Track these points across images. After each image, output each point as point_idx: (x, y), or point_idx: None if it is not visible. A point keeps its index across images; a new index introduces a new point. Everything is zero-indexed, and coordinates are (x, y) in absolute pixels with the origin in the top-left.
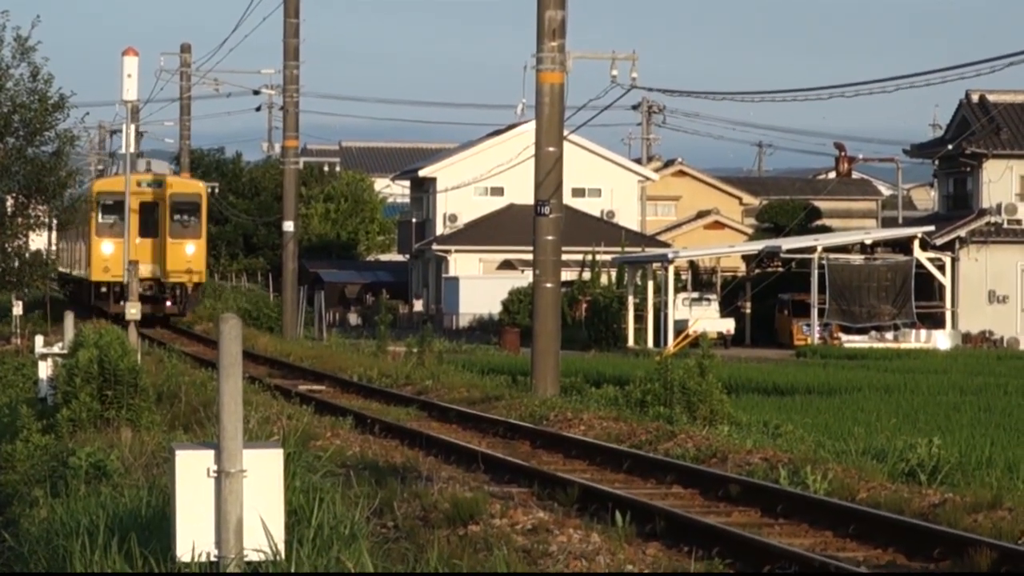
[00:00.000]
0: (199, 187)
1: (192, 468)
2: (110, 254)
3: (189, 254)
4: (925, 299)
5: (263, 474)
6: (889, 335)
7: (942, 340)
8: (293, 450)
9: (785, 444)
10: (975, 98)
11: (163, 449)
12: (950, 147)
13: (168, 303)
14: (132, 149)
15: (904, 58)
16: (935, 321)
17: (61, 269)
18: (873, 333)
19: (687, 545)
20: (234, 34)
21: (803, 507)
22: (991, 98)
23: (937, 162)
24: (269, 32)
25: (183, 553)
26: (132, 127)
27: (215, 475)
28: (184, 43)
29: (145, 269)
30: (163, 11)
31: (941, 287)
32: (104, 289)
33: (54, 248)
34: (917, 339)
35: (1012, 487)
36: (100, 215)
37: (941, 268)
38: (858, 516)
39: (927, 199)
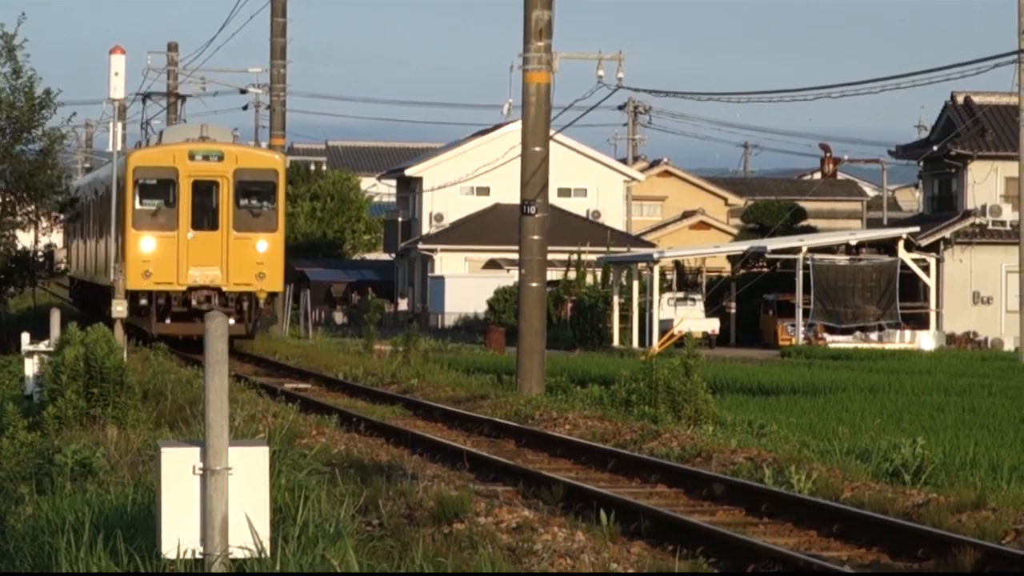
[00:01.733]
0: (274, 160)
1: (178, 466)
2: (152, 253)
3: (261, 253)
4: (910, 300)
5: (248, 472)
6: (874, 336)
7: (926, 341)
8: (278, 448)
9: (770, 444)
10: (960, 100)
11: (149, 447)
12: (935, 148)
13: (231, 320)
14: (119, 148)
15: (890, 59)
16: (920, 322)
17: (74, 273)
18: (858, 334)
19: (671, 544)
20: (221, 33)
21: (787, 506)
22: (976, 99)
23: (922, 163)
24: (256, 31)
25: (168, 550)
26: (119, 125)
27: (201, 473)
28: (171, 42)
29: (200, 275)
30: (150, 10)
31: (926, 288)
32: (144, 301)
33: (53, 247)
34: (902, 340)
35: (996, 487)
36: (138, 199)
37: (926, 269)
38: (842, 516)
39: (912, 200)
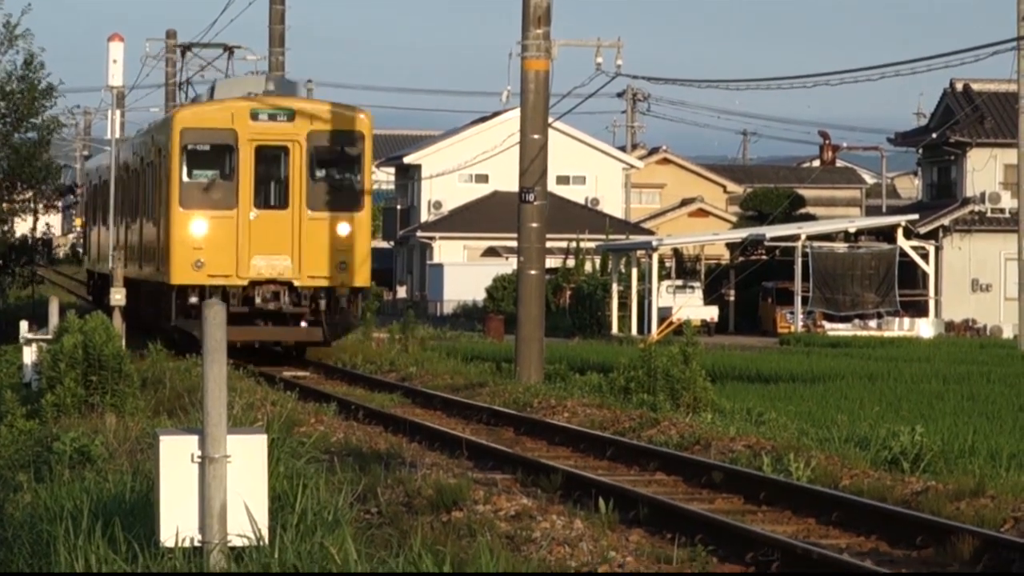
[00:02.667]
0: (359, 119)
1: (176, 454)
2: (204, 238)
3: (342, 237)
4: (909, 287)
5: (247, 460)
6: (872, 323)
7: (925, 328)
8: (277, 436)
9: (768, 432)
10: (959, 87)
11: (147, 435)
12: (934, 136)
13: (304, 323)
14: (118, 135)
15: (889, 47)
16: (918, 309)
17: (93, 266)
18: (856, 321)
19: (670, 532)
20: (219, 20)
21: (786, 494)
22: (975, 87)
23: (921, 151)
24: (254, 18)
25: (167, 538)
26: (118, 113)
27: (199, 461)
28: (169, 29)
29: (265, 265)
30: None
31: (925, 275)
32: (194, 299)
33: (51, 234)
34: (900, 327)
35: (994, 475)
36: (187, 170)
37: (925, 256)
38: (841, 503)
39: (911, 187)
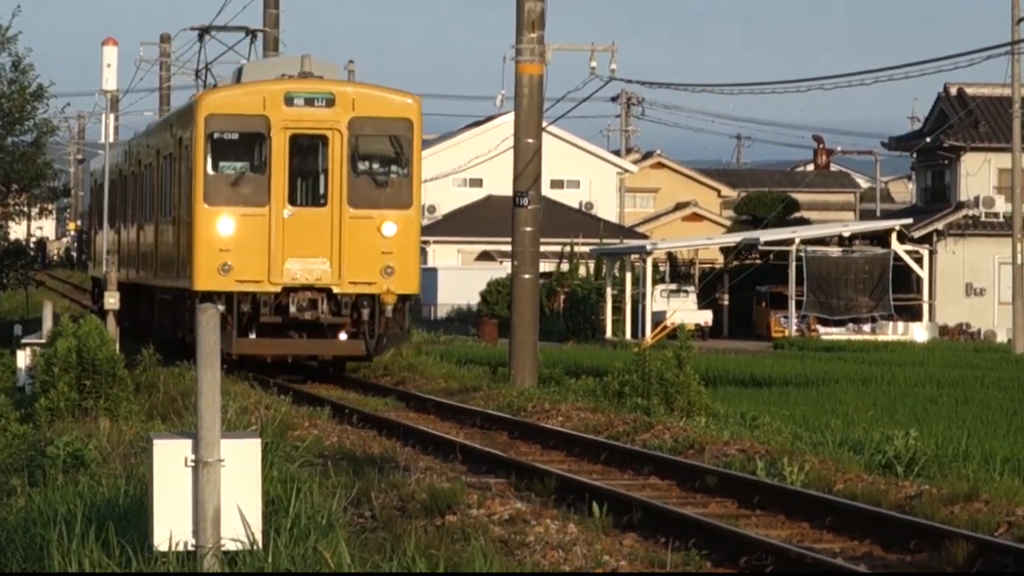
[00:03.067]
0: (406, 105)
1: (170, 458)
2: (232, 238)
3: (388, 238)
4: (903, 291)
5: (241, 464)
6: (867, 327)
7: (919, 332)
8: (271, 440)
9: (762, 436)
10: (953, 91)
11: (141, 439)
12: (928, 140)
13: (343, 335)
14: (111, 140)
15: (883, 51)
16: (912, 313)
17: (99, 273)
18: (851, 325)
19: (664, 536)
20: (213, 24)
21: (780, 498)
22: (969, 91)
23: (915, 155)
24: (248, 23)
25: (160, 543)
26: (112, 117)
27: (193, 465)
28: (163, 33)
29: (300, 269)
30: (142, 0)
31: (919, 279)
32: (220, 308)
33: (45, 239)
34: (894, 331)
35: (988, 479)
36: (211, 161)
37: (919, 261)
38: (835, 508)
39: (905, 192)
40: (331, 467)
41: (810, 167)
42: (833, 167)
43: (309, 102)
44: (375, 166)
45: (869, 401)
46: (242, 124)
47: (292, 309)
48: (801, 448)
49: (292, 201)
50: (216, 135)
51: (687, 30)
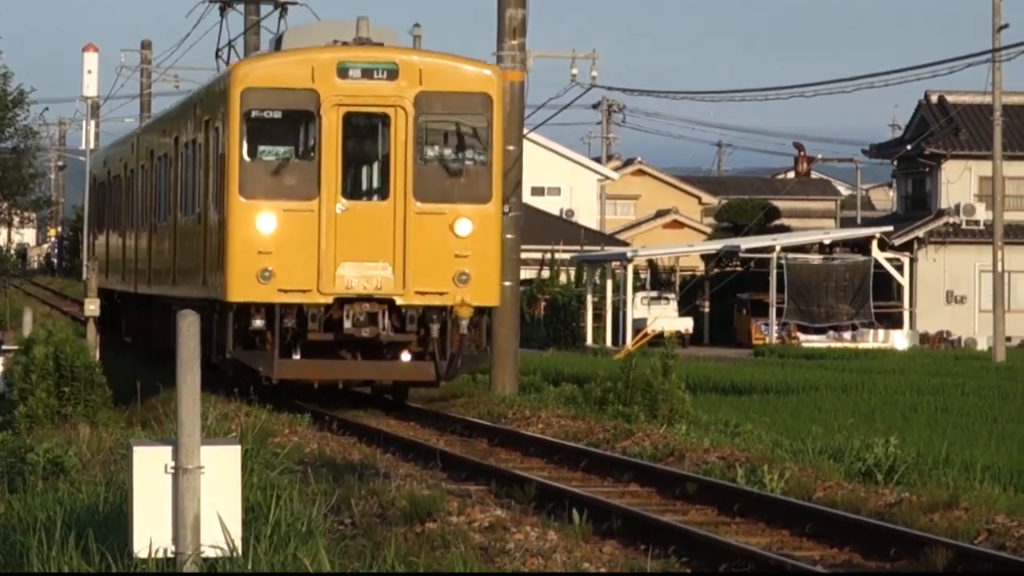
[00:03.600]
0: (483, 78)
1: (150, 464)
2: (273, 238)
3: (462, 238)
4: (883, 299)
5: (221, 471)
6: (847, 335)
7: (900, 340)
8: (251, 447)
9: (743, 443)
10: (934, 99)
11: (121, 445)
12: (909, 148)
13: (406, 355)
14: (92, 146)
15: (864, 58)
16: (893, 321)
17: (103, 283)
18: (831, 333)
19: (644, 543)
20: (195, 30)
21: (760, 506)
22: (950, 99)
23: (896, 163)
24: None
25: (140, 549)
26: (92, 123)
27: (173, 471)
28: (144, 40)
29: (356, 276)
30: (123, 7)
31: (899, 287)
32: (259, 322)
33: (26, 246)
34: (875, 339)
35: (968, 487)
36: (248, 146)
37: (899, 268)
38: (814, 515)
39: (886, 199)
40: (311, 474)
41: (791, 174)
42: (814, 174)
43: (367, 74)
44: (447, 151)
45: (849, 409)
46: (286, 100)
47: (347, 324)
48: (781, 456)
49: (346, 193)
50: (254, 114)
51: (668, 38)
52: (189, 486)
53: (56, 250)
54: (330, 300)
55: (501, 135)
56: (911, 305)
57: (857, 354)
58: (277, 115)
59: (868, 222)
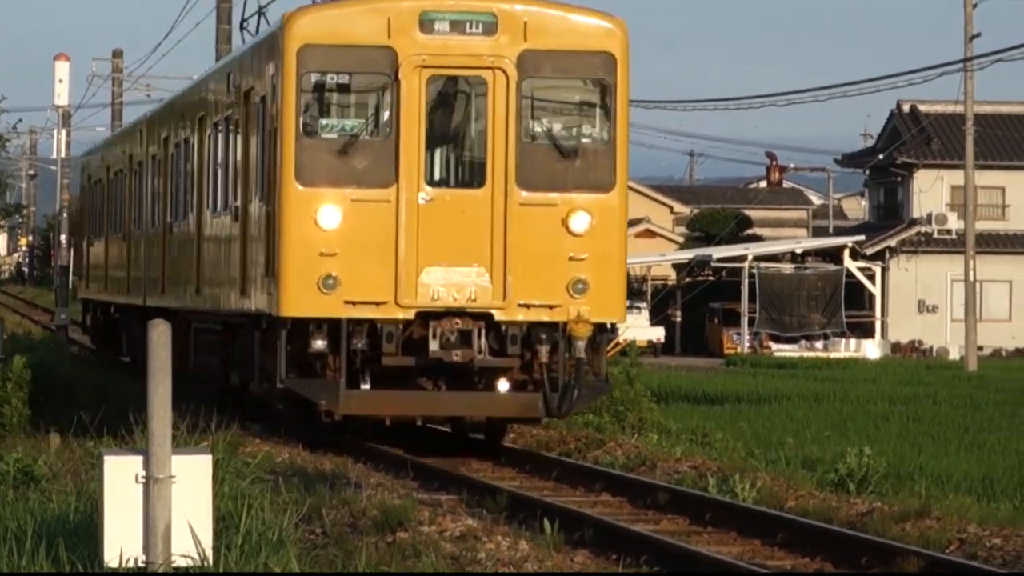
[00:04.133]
0: (604, 32)
1: (121, 474)
2: (338, 234)
3: (577, 235)
4: (855, 308)
5: (192, 480)
6: (819, 344)
7: (872, 349)
8: (222, 456)
9: (714, 452)
10: (906, 108)
11: (92, 455)
12: (881, 157)
13: (504, 384)
14: (63, 155)
15: (836, 67)
16: (865, 330)
17: (95, 294)
18: (803, 342)
19: (615, 553)
20: (166, 40)
21: (732, 515)
22: (922, 108)
23: (868, 172)
24: (201, 38)
25: (111, 559)
26: (64, 132)
27: (144, 481)
28: (116, 48)
29: (443, 283)
30: (94, 16)
31: (871, 296)
32: (319, 343)
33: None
34: (847, 348)
35: (940, 496)
36: (306, 119)
37: (871, 278)
38: (786, 524)
39: (858, 209)
40: (282, 483)
41: (763, 184)
42: (786, 184)
43: (458, 27)
44: (558, 126)
45: (821, 418)
46: (355, 60)
47: (432, 346)
48: (753, 465)
49: (431, 179)
50: (315, 78)
51: (640, 46)
52: (160, 495)
53: (27, 259)
54: (411, 315)
55: (627, 105)
56: (883, 314)
57: (829, 363)
58: (343, 79)
59: (840, 231)
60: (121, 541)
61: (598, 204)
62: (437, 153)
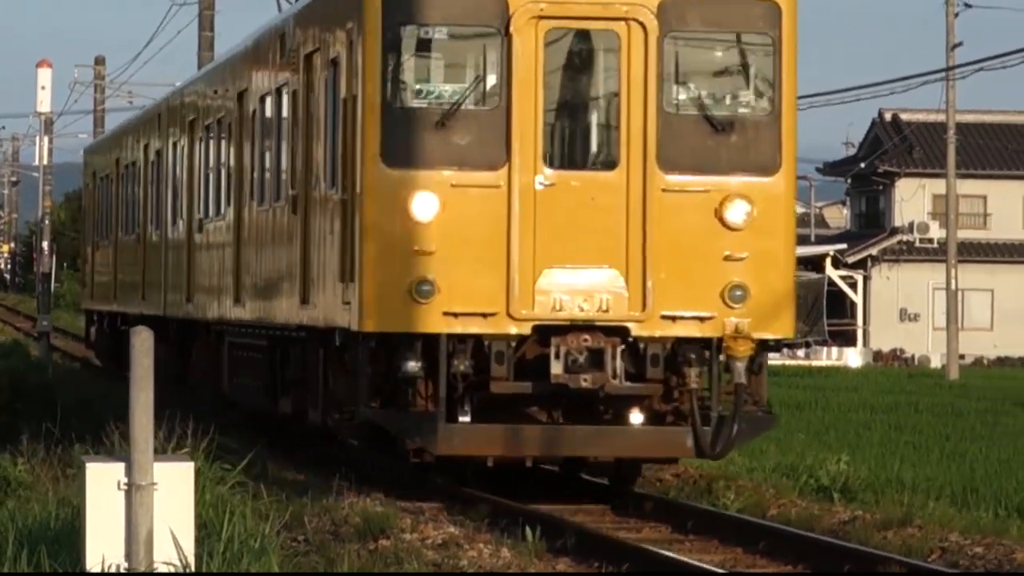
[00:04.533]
0: None
1: (102, 481)
2: (435, 226)
3: (736, 228)
4: (837, 317)
5: (174, 487)
6: (800, 352)
7: (853, 358)
8: (204, 463)
9: (696, 460)
10: (888, 117)
11: (74, 461)
12: (863, 165)
13: (637, 416)
14: (45, 162)
15: (818, 76)
16: (847, 339)
17: (99, 304)
18: (784, 350)
19: (597, 560)
20: (148, 47)
21: (714, 523)
22: (904, 117)
23: (850, 180)
24: (184, 45)
25: (93, 566)
26: (46, 139)
27: (126, 488)
28: (98, 55)
29: (566, 288)
30: (77, 23)
31: (853, 305)
32: (412, 364)
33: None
34: (828, 357)
35: (922, 505)
36: (395, 84)
37: (853, 286)
38: (768, 532)
39: (839, 217)
40: (264, 491)
41: None
42: None
43: None
44: (710, 92)
45: (803, 426)
46: (455, 10)
47: (556, 368)
48: (735, 473)
49: (551, 159)
50: (406, 32)
51: None
52: (142, 502)
53: (9, 266)
54: (527, 329)
55: (795, 66)
56: (864, 323)
57: (811, 371)
58: (441, 34)
59: (821, 240)
60: (103, 548)
61: (759, 190)
62: (558, 127)
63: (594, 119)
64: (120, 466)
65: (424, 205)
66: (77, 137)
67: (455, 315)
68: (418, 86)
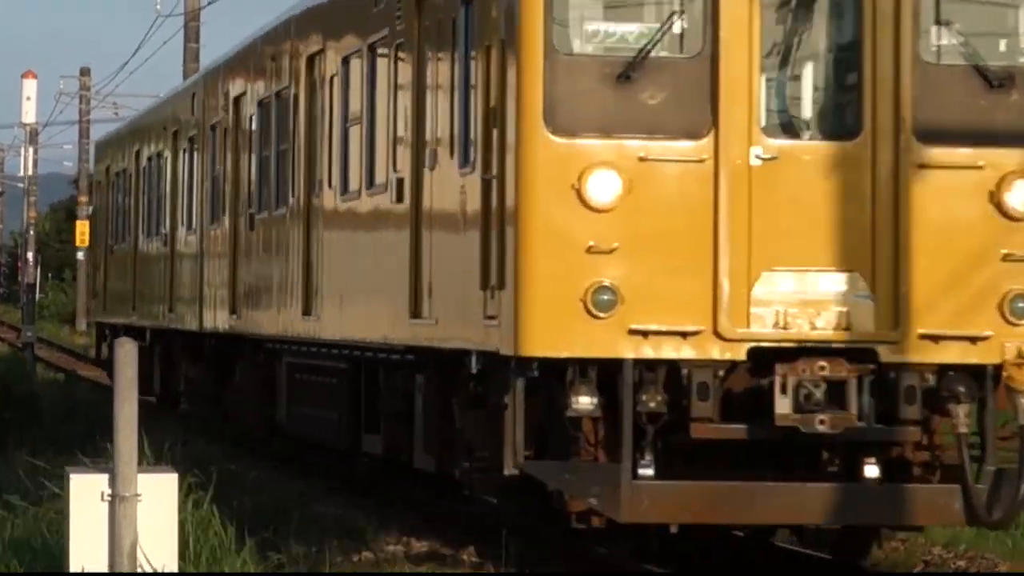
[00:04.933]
0: None
1: (86, 492)
2: (615, 217)
3: (1018, 215)
4: None
5: (158, 498)
6: None
7: None
8: (187, 474)
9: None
10: None
11: (58, 473)
12: None
13: (872, 470)
14: (30, 172)
15: None
16: None
17: (112, 316)
18: None
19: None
20: (134, 58)
21: None
22: None
23: None
24: (170, 56)
25: None
26: (31, 150)
27: (109, 499)
28: (84, 66)
29: (793, 302)
30: (62, 34)
31: None
32: (584, 401)
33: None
34: None
35: None
36: (562, 26)
37: None
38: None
39: None
40: (249, 501)
41: None
42: None
43: None
44: (982, 40)
45: None
46: None
47: (782, 406)
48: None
49: (771, 127)
50: None
51: None
52: (126, 514)
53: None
54: (741, 354)
55: None
56: None
57: None
58: None
59: None
60: (86, 559)
61: None
62: (779, 81)
63: (828, 72)
64: (104, 477)
65: (602, 186)
66: (62, 148)
67: (644, 334)
68: (590, 26)
